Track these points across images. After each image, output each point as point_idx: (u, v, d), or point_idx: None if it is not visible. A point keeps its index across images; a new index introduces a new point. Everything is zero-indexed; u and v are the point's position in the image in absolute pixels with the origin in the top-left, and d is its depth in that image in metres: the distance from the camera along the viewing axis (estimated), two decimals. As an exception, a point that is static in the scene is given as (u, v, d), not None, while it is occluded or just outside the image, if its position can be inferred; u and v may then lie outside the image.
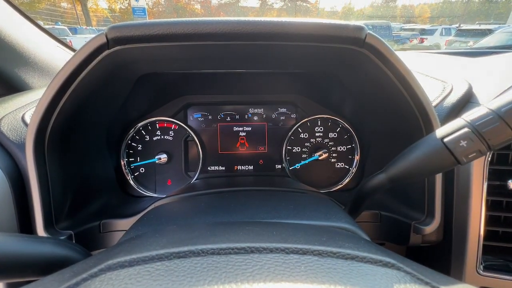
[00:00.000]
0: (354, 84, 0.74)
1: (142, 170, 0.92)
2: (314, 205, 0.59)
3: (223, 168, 0.97)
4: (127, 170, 0.89)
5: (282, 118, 0.97)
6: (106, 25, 0.53)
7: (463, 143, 0.43)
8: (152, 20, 0.51)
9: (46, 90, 0.52)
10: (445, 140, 0.44)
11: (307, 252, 0.26)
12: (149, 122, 0.91)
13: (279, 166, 0.97)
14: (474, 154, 0.42)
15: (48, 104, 0.52)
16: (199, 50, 0.58)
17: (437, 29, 17.42)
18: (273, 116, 0.97)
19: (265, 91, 0.95)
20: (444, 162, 0.45)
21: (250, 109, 0.96)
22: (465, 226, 0.62)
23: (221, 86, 0.92)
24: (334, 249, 0.27)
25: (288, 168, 0.95)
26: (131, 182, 0.90)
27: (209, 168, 0.96)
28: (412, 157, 0.49)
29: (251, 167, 0.97)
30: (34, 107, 0.53)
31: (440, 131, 0.46)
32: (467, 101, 0.67)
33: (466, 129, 0.43)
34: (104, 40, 0.51)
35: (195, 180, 0.92)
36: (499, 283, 0.61)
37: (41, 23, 1.23)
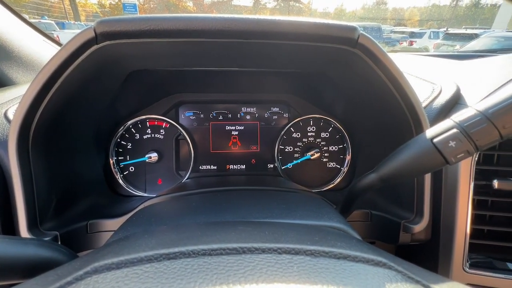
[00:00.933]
0: (347, 84, 0.75)
1: (131, 169, 0.90)
2: (306, 205, 0.59)
3: (215, 167, 0.96)
4: (116, 169, 0.87)
5: (274, 117, 0.97)
6: (95, 20, 0.51)
7: (452, 143, 0.43)
8: (143, 15, 0.50)
9: (30, 84, 0.50)
10: (435, 140, 0.45)
11: (300, 252, 0.26)
12: (139, 120, 0.89)
13: (272, 166, 0.97)
14: (463, 154, 0.43)
15: (32, 99, 0.50)
16: (191, 47, 0.57)
17: (425, 33, 17.88)
18: (266, 115, 0.96)
19: (257, 90, 0.95)
20: (434, 162, 0.46)
21: (242, 108, 0.96)
22: (453, 225, 0.63)
23: (214, 84, 0.91)
24: (326, 249, 0.27)
25: (281, 168, 0.95)
26: (120, 181, 0.88)
27: (200, 167, 0.95)
28: (402, 157, 0.49)
29: (243, 167, 0.97)
30: (18, 103, 0.51)
31: (429, 132, 0.47)
32: (456, 102, 0.69)
33: (455, 130, 0.43)
34: (92, 34, 0.49)
35: (186, 179, 0.91)
36: (484, 280, 0.63)
37: (26, 16, 1.19)
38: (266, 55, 0.62)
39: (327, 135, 0.96)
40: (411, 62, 1.13)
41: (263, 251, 0.26)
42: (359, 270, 0.25)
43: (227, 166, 0.96)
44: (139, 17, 0.49)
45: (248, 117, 0.96)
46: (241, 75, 0.87)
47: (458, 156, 0.44)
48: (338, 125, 0.94)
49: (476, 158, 0.62)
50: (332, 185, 0.95)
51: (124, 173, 0.89)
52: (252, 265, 0.24)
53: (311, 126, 0.96)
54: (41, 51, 1.10)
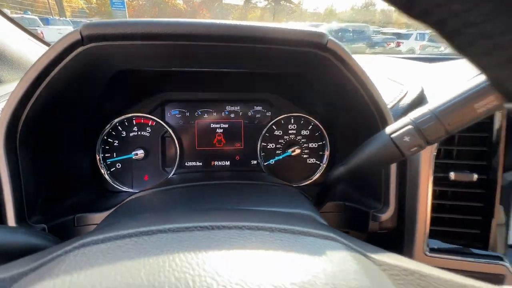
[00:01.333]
0: (322, 85, 0.80)
1: (118, 165, 0.92)
2: (280, 195, 0.64)
3: (201, 164, 0.99)
4: (102, 166, 0.90)
5: (257, 115, 1.01)
6: (81, 17, 0.55)
7: (407, 138, 0.49)
8: (127, 20, 0.53)
9: (19, 82, 0.53)
10: (392, 136, 0.51)
11: (261, 228, 0.31)
12: (125, 118, 0.91)
13: (255, 162, 1.01)
14: (416, 148, 0.49)
15: (21, 96, 0.53)
16: (173, 50, 0.60)
17: (412, 34, 18.32)
18: (249, 113, 1.01)
19: (241, 90, 0.99)
20: (392, 155, 0.51)
21: (227, 107, 1.00)
22: (415, 213, 0.70)
23: (198, 84, 0.95)
24: (285, 227, 0.32)
25: (263, 164, 0.99)
26: (107, 177, 0.90)
27: (186, 164, 0.98)
28: (366, 151, 0.55)
29: (227, 163, 1.01)
30: (5, 100, 0.54)
31: (389, 128, 0.52)
32: (419, 103, 0.75)
33: (409, 126, 0.49)
34: (78, 37, 0.52)
35: (172, 175, 0.94)
36: (443, 262, 0.70)
37: (8, 11, 1.19)
38: (245, 57, 0.66)
39: (307, 132, 1.01)
40: (387, 64, 1.20)
41: (230, 228, 0.30)
42: (309, 242, 0.30)
43: (212, 163, 1.00)
44: (123, 21, 0.53)
45: (232, 115, 1.00)
46: (225, 75, 0.91)
47: (411, 150, 0.50)
48: (318, 123, 1.00)
49: (436, 153, 0.68)
50: (312, 180, 1.00)
51: (111, 170, 0.91)
52: (217, 238, 0.28)
53: (292, 124, 1.01)
54: (23, 48, 1.10)
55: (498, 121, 0.67)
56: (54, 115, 0.64)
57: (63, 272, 0.23)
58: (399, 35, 18.86)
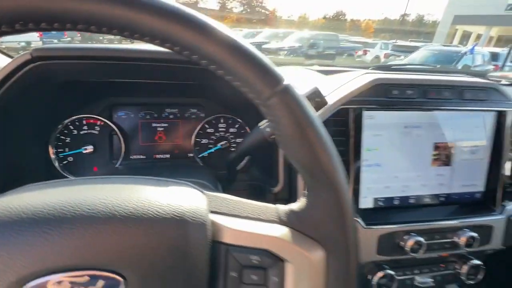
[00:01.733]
0: (233, 93, 1.04)
1: (70, 159, 1.09)
2: (197, 174, 0.87)
3: (144, 157, 1.19)
4: (56, 160, 1.06)
5: (193, 116, 1.23)
6: None
7: (267, 129, 0.74)
8: (69, 45, 0.73)
9: None
10: (261, 127, 0.75)
11: (147, 179, 0.52)
12: (76, 119, 1.09)
13: (191, 154, 1.23)
14: (274, 136, 0.74)
15: None
16: (109, 66, 0.81)
17: (377, 43, 19.68)
18: (186, 115, 1.22)
19: (178, 95, 1.20)
20: (261, 140, 0.76)
21: (166, 109, 1.20)
22: (296, 186, 0.95)
23: (141, 90, 1.14)
24: (165, 179, 0.54)
25: (197, 156, 1.21)
26: (60, 170, 1.06)
27: (131, 157, 1.17)
28: (247, 139, 0.80)
29: (168, 156, 1.21)
30: None
31: (261, 123, 0.77)
32: None
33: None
34: (29, 57, 0.71)
35: (119, 165, 1.12)
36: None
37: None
38: (165, 72, 0.89)
39: (235, 130, 1.25)
40: (303, 75, 1.48)
41: (124, 178, 0.52)
42: (167, 183, 0.51)
43: (155, 156, 1.20)
44: (66, 47, 0.73)
45: (171, 116, 1.21)
46: (164, 84, 1.12)
47: (271, 137, 0.74)
48: (242, 122, 1.24)
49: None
50: (238, 168, 1.24)
51: (64, 163, 1.08)
52: (109, 181, 0.49)
53: (222, 123, 1.24)
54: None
55: (351, 117, 0.94)
56: (11, 116, 0.81)
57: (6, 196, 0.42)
58: (366, 44, 20.20)
